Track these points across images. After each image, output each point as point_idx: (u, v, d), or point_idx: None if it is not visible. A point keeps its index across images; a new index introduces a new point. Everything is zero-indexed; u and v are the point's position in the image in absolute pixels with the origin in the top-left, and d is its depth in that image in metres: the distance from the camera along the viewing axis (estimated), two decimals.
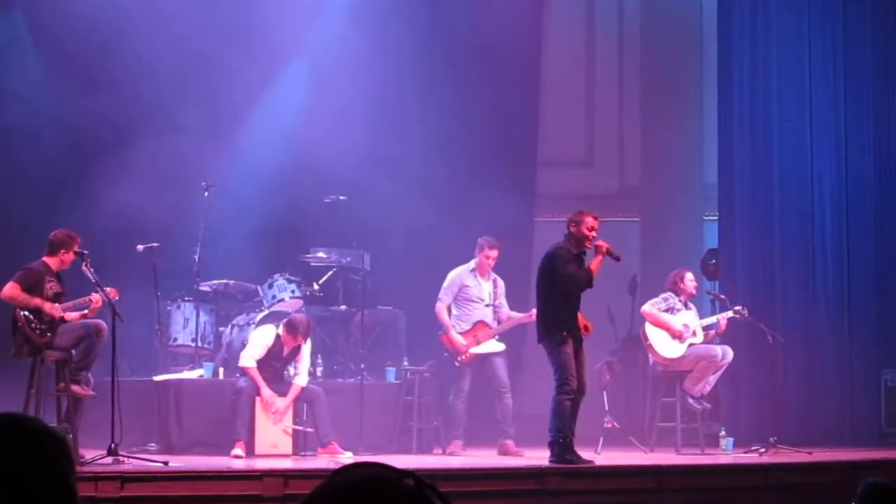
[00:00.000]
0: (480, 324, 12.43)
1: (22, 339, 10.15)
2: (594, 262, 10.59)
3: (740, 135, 14.55)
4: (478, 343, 12.37)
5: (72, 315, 10.29)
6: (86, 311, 10.33)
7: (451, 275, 12.52)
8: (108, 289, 10.23)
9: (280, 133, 14.35)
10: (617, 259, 10.73)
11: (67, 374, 10.11)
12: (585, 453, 10.71)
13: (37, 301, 10.12)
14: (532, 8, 16.06)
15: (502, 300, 12.58)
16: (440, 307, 12.48)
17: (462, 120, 14.69)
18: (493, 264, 12.45)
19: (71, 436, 9.79)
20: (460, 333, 12.37)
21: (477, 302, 12.47)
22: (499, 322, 12.53)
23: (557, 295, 10.57)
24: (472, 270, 12.50)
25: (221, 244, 13.16)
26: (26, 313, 10.10)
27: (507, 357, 12.57)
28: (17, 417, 2.41)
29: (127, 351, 10.56)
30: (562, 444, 10.38)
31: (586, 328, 10.60)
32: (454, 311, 12.50)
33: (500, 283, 12.61)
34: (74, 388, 10.09)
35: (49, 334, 10.15)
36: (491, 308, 12.51)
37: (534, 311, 12.06)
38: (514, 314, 12.54)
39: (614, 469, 10.75)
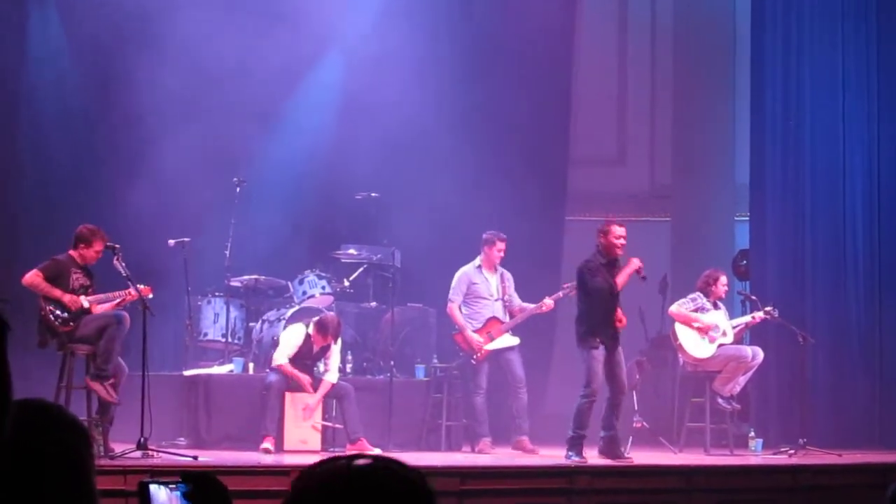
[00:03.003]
0: (493, 320, 12.46)
1: (44, 328, 10.14)
2: (622, 275, 11.11)
3: (772, 135, 14.49)
4: (491, 340, 12.39)
5: (101, 306, 10.31)
6: (117, 301, 10.35)
7: (458, 274, 12.56)
8: (141, 286, 10.25)
9: (311, 129, 14.37)
10: (643, 279, 11.33)
11: (93, 369, 10.11)
12: None
13: (57, 292, 10.09)
14: (565, 6, 16.00)
15: (512, 293, 12.61)
16: (452, 307, 12.53)
17: (494, 118, 14.69)
18: (503, 256, 12.52)
19: (101, 429, 9.83)
20: (473, 332, 12.41)
21: (486, 298, 12.50)
22: (511, 315, 12.56)
23: (587, 305, 11.15)
24: (478, 267, 12.55)
25: (252, 240, 13.19)
26: (49, 305, 10.12)
27: (523, 352, 12.56)
28: (42, 404, 2.44)
29: (157, 345, 10.56)
30: (571, 439, 10.86)
31: (619, 320, 11.09)
32: (464, 311, 12.53)
33: (508, 276, 12.65)
34: (95, 385, 9.99)
35: (71, 324, 10.12)
36: (500, 303, 12.54)
37: (544, 302, 12.21)
38: (527, 305, 12.56)
39: (643, 469, 10.75)
